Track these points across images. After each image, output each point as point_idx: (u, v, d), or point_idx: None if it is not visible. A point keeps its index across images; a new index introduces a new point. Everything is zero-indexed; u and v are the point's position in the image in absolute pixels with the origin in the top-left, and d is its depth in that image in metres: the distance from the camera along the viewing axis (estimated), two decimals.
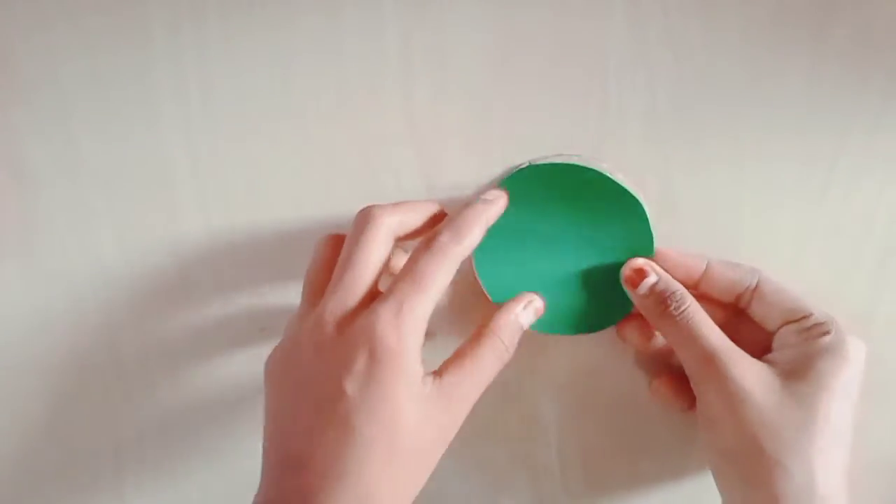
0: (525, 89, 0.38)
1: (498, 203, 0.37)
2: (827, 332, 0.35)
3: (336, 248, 0.35)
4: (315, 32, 0.38)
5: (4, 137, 0.39)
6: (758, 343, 0.37)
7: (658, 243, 0.39)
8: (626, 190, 0.38)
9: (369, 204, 0.35)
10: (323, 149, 0.39)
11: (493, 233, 0.37)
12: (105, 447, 0.42)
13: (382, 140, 0.39)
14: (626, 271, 0.37)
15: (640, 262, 0.37)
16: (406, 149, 0.39)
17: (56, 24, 0.38)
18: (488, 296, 0.40)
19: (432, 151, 0.39)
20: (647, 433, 0.42)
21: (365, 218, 0.34)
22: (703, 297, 0.37)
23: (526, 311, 0.37)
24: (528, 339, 0.38)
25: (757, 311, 0.37)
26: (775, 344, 0.37)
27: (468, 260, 0.39)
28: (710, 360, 0.35)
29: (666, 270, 0.37)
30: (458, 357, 0.34)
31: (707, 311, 0.36)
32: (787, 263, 0.40)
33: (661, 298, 0.36)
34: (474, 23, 0.38)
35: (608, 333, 0.40)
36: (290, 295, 0.40)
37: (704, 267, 0.37)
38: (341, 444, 0.30)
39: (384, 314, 0.31)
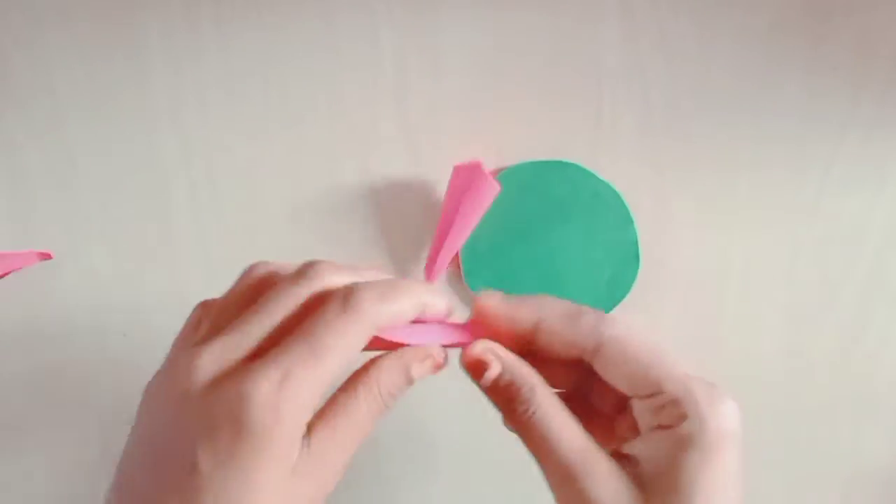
0: (519, 97, 0.39)
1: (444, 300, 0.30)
2: (682, 417, 0.27)
3: (258, 286, 0.29)
4: (309, 39, 0.38)
5: (0, 145, 0.39)
6: (616, 403, 0.30)
7: (650, 251, 0.39)
8: (613, 190, 0.39)
9: (318, 259, 0.29)
10: (318, 154, 0.39)
11: (482, 231, 0.38)
12: (96, 451, 0.42)
13: (377, 144, 0.39)
14: (465, 359, 0.29)
15: (479, 348, 0.29)
16: (401, 153, 0.39)
17: (51, 32, 0.38)
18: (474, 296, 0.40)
19: (427, 157, 0.39)
20: None
21: (308, 270, 0.28)
22: (542, 354, 0.30)
23: (422, 365, 0.29)
24: None
25: (603, 373, 0.29)
26: (634, 421, 0.29)
27: (455, 261, 0.39)
28: (566, 474, 0.28)
29: (490, 324, 0.29)
30: (329, 411, 0.27)
31: (548, 371, 0.29)
32: (779, 272, 0.40)
33: (507, 395, 0.28)
34: (468, 30, 0.38)
35: None
36: None
37: (534, 323, 0.29)
38: None
39: (263, 383, 0.24)
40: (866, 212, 0.40)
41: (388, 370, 0.28)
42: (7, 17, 0.38)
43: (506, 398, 0.28)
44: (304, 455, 0.26)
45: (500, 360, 0.29)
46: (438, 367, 0.29)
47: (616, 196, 0.39)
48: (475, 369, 0.29)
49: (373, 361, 0.28)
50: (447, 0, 0.38)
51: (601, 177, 0.39)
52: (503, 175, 0.39)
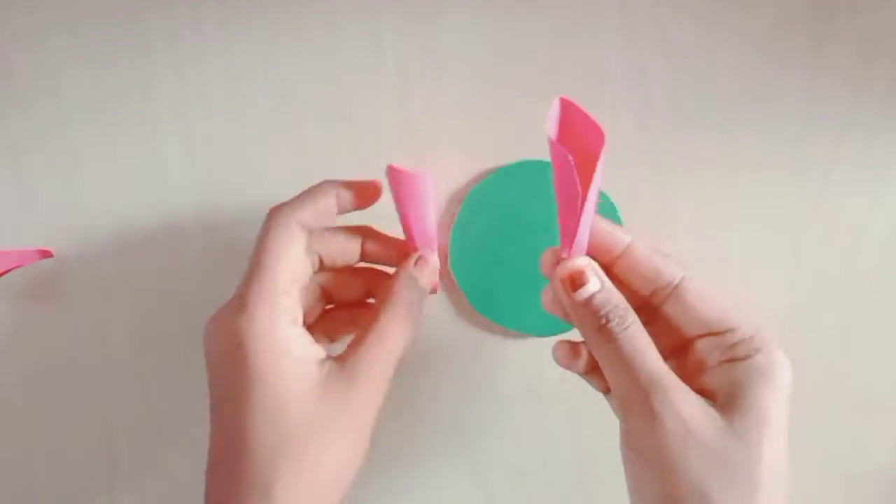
0: (520, 98, 0.39)
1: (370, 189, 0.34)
2: (757, 351, 0.30)
3: None
4: (312, 42, 0.38)
5: (5, 147, 0.39)
6: (667, 350, 0.32)
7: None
8: (607, 198, 0.39)
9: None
10: (321, 157, 0.39)
11: (470, 232, 0.38)
12: (96, 438, 0.42)
13: (379, 147, 0.39)
14: (562, 272, 0.31)
15: (582, 262, 0.31)
16: (403, 155, 0.39)
17: (56, 35, 0.38)
18: (466, 299, 0.40)
19: (429, 158, 0.39)
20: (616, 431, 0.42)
21: (270, 220, 0.32)
22: (614, 282, 0.31)
23: (418, 267, 0.33)
24: (512, 342, 0.38)
25: (674, 313, 0.32)
26: (700, 358, 0.32)
27: (444, 263, 0.40)
28: (647, 392, 0.29)
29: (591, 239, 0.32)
30: (358, 335, 0.32)
31: None
32: (781, 273, 0.40)
33: (599, 311, 0.30)
34: (470, 31, 0.38)
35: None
36: None
37: (626, 244, 0.32)
38: (238, 447, 0.30)
39: (230, 311, 0.31)
40: (867, 213, 0.40)
41: (397, 284, 0.33)
42: (11, 19, 0.38)
43: (597, 313, 0.30)
44: (336, 370, 0.30)
45: (599, 278, 0.31)
46: (434, 270, 0.34)
47: (609, 204, 0.39)
48: (573, 282, 0.31)
49: (383, 284, 0.33)
50: (449, 2, 0.38)
51: (606, 193, 0.39)
52: (501, 171, 0.39)
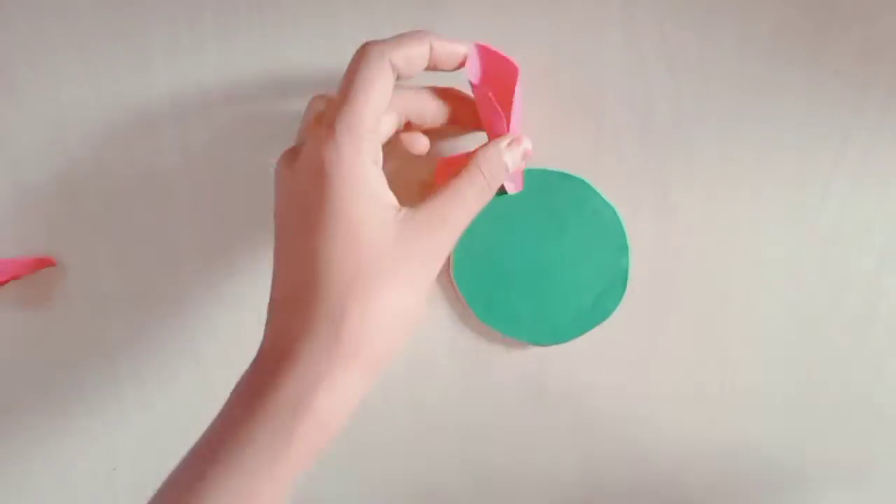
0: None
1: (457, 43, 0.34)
2: None
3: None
4: (312, 43, 0.38)
5: (4, 155, 0.39)
6: None
7: (652, 258, 0.39)
8: (614, 212, 0.39)
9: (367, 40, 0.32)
10: None
11: (473, 241, 0.38)
12: (97, 445, 0.42)
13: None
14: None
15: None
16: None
17: (55, 40, 0.38)
18: (468, 306, 0.40)
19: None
20: (644, 439, 0.42)
21: (362, 54, 0.31)
22: None
23: (511, 148, 0.35)
24: (514, 350, 0.39)
25: None
26: None
27: (446, 269, 0.39)
28: None
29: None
30: (436, 189, 0.33)
31: None
32: (783, 278, 0.40)
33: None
34: (469, 34, 0.38)
35: (597, 343, 0.40)
36: None
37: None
38: (310, 280, 0.30)
39: (317, 137, 0.31)
40: (870, 218, 0.39)
41: (486, 153, 0.34)
42: (11, 25, 0.38)
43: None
44: (411, 213, 0.31)
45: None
46: (525, 154, 0.36)
47: (616, 219, 0.39)
48: None
49: (475, 151, 0.34)
50: (448, 6, 0.38)
51: (605, 196, 0.39)
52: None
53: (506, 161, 0.34)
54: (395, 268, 0.31)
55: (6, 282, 0.39)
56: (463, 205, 0.33)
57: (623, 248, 0.39)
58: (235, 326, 0.41)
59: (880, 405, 0.41)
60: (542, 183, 0.39)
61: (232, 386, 0.41)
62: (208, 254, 0.40)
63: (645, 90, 0.38)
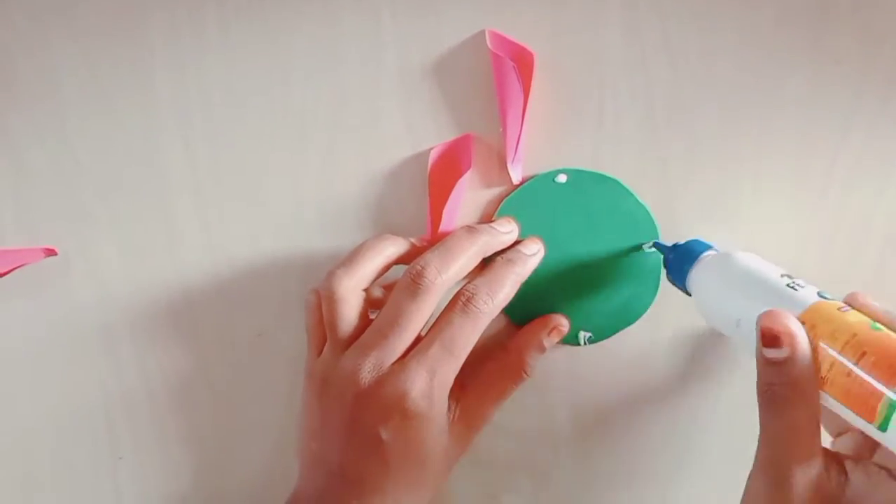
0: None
1: (536, 258, 0.38)
2: None
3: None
4: (313, 40, 0.38)
5: (3, 144, 0.39)
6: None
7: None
8: (648, 214, 0.39)
9: (420, 263, 0.34)
10: (321, 154, 0.39)
11: None
12: (100, 433, 0.42)
13: (381, 145, 0.39)
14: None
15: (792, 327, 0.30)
16: (405, 154, 0.39)
17: (56, 34, 0.38)
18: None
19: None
20: (649, 437, 0.42)
21: (417, 282, 0.34)
22: None
23: (550, 336, 0.39)
24: None
25: None
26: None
27: None
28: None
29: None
30: (480, 385, 0.37)
31: None
32: (786, 267, 0.40)
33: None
34: (470, 28, 0.38)
35: (611, 341, 0.41)
36: (289, 300, 0.40)
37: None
38: (375, 471, 0.34)
39: (418, 382, 0.33)
40: (871, 206, 0.39)
41: (529, 350, 0.38)
42: (11, 18, 0.38)
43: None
44: (457, 416, 0.36)
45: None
46: (562, 334, 0.39)
47: (649, 219, 0.39)
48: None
49: (513, 341, 0.39)
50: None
51: (640, 198, 0.39)
52: (542, 176, 0.39)
53: (545, 349, 0.39)
54: (442, 469, 0.36)
55: (9, 272, 0.39)
56: (501, 400, 0.38)
57: (649, 224, 0.39)
58: (237, 315, 0.41)
59: None
60: (575, 184, 0.39)
61: (224, 367, 0.41)
62: (211, 244, 0.40)
63: (645, 82, 0.38)
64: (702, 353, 0.41)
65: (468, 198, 0.39)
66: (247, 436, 0.42)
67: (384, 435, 0.33)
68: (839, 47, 0.38)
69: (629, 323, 0.40)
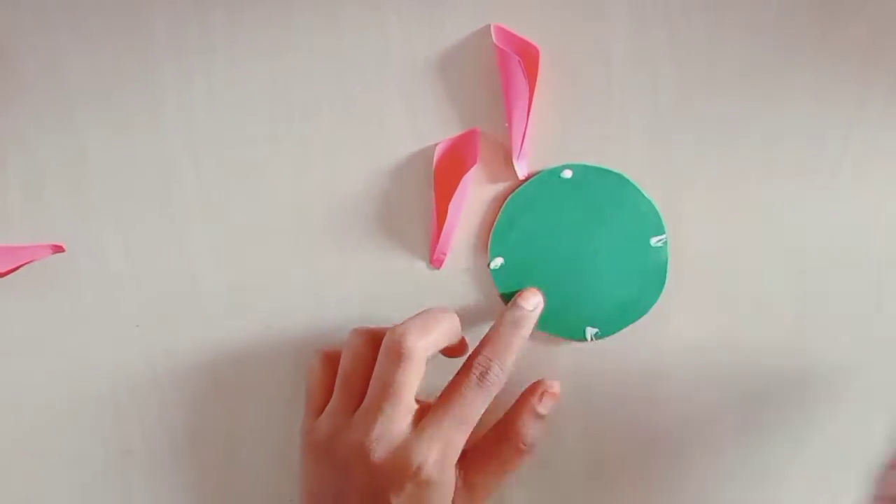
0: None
1: (537, 312, 0.38)
2: None
3: (332, 368, 0.37)
4: (318, 36, 0.38)
5: (7, 138, 0.39)
6: None
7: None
8: (655, 209, 0.39)
9: (398, 326, 0.35)
10: (325, 149, 0.39)
11: (511, 237, 0.38)
12: (108, 430, 0.42)
13: (386, 140, 0.39)
14: None
15: None
16: (409, 150, 0.39)
17: (59, 27, 0.38)
18: (506, 304, 0.40)
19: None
20: (655, 436, 0.42)
21: (398, 350, 0.34)
22: None
23: (543, 402, 0.38)
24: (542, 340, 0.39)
25: None
26: None
27: (485, 266, 0.40)
28: None
29: None
30: (481, 456, 0.37)
31: None
32: (791, 265, 0.40)
33: None
34: (475, 24, 0.38)
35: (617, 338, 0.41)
36: (295, 294, 0.40)
37: None
38: None
39: (431, 455, 0.34)
40: (879, 200, 0.39)
41: (524, 423, 0.37)
42: (15, 12, 0.38)
43: None
44: (463, 489, 0.36)
45: None
46: (556, 398, 0.38)
47: (655, 213, 0.39)
48: None
49: (510, 417, 0.38)
50: None
51: (646, 193, 0.39)
52: (547, 172, 0.39)
53: (542, 416, 0.38)
54: None
55: (16, 268, 0.39)
56: (506, 473, 0.37)
57: (663, 248, 0.39)
58: (244, 309, 0.41)
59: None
60: (581, 179, 0.39)
61: (243, 374, 0.41)
62: (216, 240, 0.40)
63: (652, 77, 0.38)
64: (710, 347, 0.41)
65: (473, 193, 0.39)
66: (254, 428, 0.42)
67: (395, 502, 0.34)
68: (846, 39, 0.37)
69: (636, 318, 0.40)
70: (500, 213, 0.39)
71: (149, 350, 0.41)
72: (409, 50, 0.38)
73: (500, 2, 0.38)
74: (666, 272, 0.39)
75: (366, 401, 0.35)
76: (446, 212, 0.38)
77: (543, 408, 0.38)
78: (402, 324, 0.35)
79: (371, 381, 0.35)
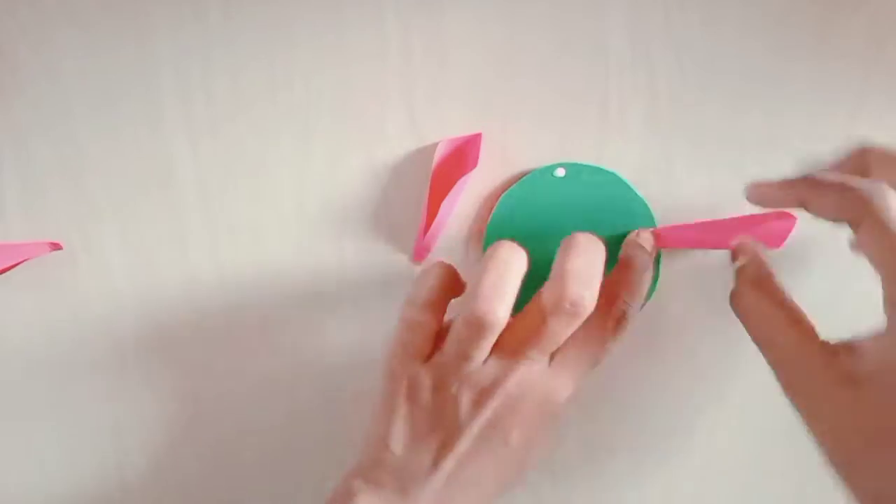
0: (525, 86, 0.38)
1: (650, 245, 0.38)
2: None
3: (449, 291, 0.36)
4: (316, 29, 0.38)
5: (7, 136, 0.39)
6: None
7: None
8: (647, 209, 0.39)
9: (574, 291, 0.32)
10: (324, 145, 0.39)
11: (510, 220, 0.38)
12: (105, 429, 0.42)
13: (384, 137, 0.39)
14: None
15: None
16: (409, 148, 0.39)
17: (58, 24, 0.38)
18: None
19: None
20: (650, 429, 0.42)
21: (577, 310, 0.32)
22: None
23: (642, 236, 0.38)
24: None
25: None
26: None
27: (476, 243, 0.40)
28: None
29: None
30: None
31: None
32: (791, 259, 0.40)
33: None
34: (474, 21, 0.38)
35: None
36: (294, 289, 0.40)
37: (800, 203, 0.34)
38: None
39: (566, 392, 0.35)
40: None
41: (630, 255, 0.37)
42: (13, 8, 0.38)
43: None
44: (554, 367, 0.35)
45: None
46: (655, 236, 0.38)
47: (648, 213, 0.39)
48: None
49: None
50: None
51: (638, 191, 0.39)
52: (540, 170, 0.39)
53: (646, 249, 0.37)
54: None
55: (15, 266, 0.39)
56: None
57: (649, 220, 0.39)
58: (242, 306, 0.41)
59: None
60: (574, 177, 0.39)
61: (242, 371, 0.41)
62: (215, 236, 0.40)
63: (649, 75, 0.38)
64: (705, 340, 0.41)
65: (467, 191, 0.39)
66: (251, 427, 0.42)
67: (515, 434, 0.34)
68: (845, 36, 0.37)
69: None
70: (492, 212, 0.39)
71: (146, 348, 0.41)
72: (408, 47, 0.38)
73: (499, 1, 0.38)
74: (660, 268, 0.39)
75: (511, 335, 0.33)
76: (437, 210, 0.38)
77: (645, 241, 0.37)
78: (483, 296, 0.32)
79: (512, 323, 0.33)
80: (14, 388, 0.41)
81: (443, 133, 0.39)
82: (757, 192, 0.35)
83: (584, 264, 0.32)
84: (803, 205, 0.33)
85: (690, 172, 0.39)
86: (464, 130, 0.39)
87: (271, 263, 0.40)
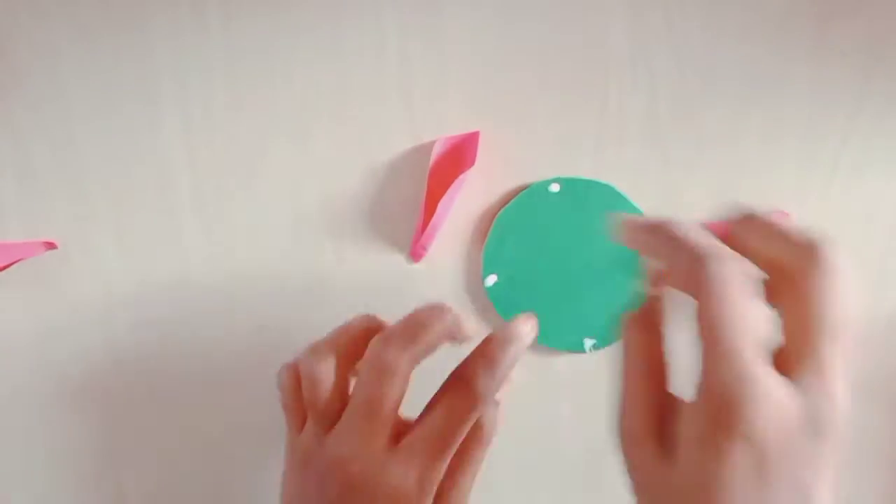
0: (524, 86, 0.39)
1: (528, 339, 0.33)
2: None
3: (297, 380, 0.35)
4: (314, 31, 0.38)
5: (6, 137, 0.39)
6: None
7: None
8: (630, 204, 0.39)
9: (379, 338, 0.32)
10: (322, 145, 0.39)
11: (504, 251, 0.38)
12: (99, 428, 0.42)
13: (382, 139, 0.39)
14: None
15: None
16: (406, 146, 0.39)
17: (57, 25, 0.38)
18: (501, 318, 0.40)
19: (431, 148, 0.39)
20: None
21: (378, 365, 0.31)
22: None
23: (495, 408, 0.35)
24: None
25: None
26: None
27: (479, 280, 0.39)
28: None
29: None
30: (448, 481, 0.33)
31: None
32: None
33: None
34: (473, 23, 0.38)
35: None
36: (291, 288, 0.40)
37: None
38: None
39: (408, 481, 0.31)
40: (876, 200, 0.39)
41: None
42: (12, 9, 0.38)
43: None
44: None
45: None
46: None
47: (618, 195, 0.39)
48: None
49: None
50: None
51: (635, 202, 0.39)
52: (535, 186, 0.39)
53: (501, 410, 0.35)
54: None
55: (9, 265, 0.39)
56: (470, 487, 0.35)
57: None
58: (238, 308, 0.41)
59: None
60: (569, 192, 0.39)
61: (236, 371, 0.40)
62: (211, 237, 0.40)
63: (649, 77, 0.38)
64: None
65: (466, 191, 0.39)
66: (249, 426, 0.42)
67: None
68: (844, 37, 0.38)
69: None
70: (490, 230, 0.39)
71: (142, 348, 0.41)
72: (405, 45, 0.38)
73: (499, 3, 0.38)
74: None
75: (345, 415, 0.32)
76: (434, 209, 0.38)
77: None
78: (384, 334, 0.32)
79: (352, 393, 0.32)
80: (7, 385, 0.41)
81: (440, 132, 0.39)
82: (626, 232, 0.31)
83: (412, 324, 0.32)
84: (655, 257, 0.30)
85: (689, 174, 0.39)
86: (461, 129, 0.39)
87: (268, 263, 0.40)
